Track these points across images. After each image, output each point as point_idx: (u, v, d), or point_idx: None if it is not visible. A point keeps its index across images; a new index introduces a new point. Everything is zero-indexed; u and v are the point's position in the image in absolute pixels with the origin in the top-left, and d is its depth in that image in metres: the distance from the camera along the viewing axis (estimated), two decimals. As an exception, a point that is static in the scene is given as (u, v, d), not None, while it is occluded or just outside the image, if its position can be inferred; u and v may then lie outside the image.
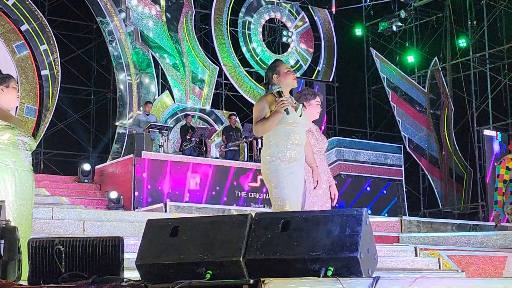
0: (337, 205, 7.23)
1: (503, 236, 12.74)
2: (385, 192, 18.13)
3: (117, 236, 4.76)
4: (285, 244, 4.39)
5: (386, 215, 16.80)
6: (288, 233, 4.44)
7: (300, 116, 5.95)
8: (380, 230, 13.06)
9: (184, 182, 15.32)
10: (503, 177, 8.51)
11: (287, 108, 5.74)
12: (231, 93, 19.81)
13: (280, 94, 5.82)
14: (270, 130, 5.85)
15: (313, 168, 6.28)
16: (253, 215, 4.57)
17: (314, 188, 6.33)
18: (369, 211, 16.38)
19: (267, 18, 20.70)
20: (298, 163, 5.94)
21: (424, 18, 21.83)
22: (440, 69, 20.77)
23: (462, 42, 20.73)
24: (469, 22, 20.55)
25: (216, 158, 17.25)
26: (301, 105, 6.01)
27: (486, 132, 19.09)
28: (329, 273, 4.24)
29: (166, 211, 12.32)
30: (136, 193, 14.72)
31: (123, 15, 18.09)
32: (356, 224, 4.37)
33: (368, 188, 17.84)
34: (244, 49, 19.98)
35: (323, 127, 18.74)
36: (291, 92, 6.22)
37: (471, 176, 19.87)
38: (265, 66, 18.34)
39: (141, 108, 17.46)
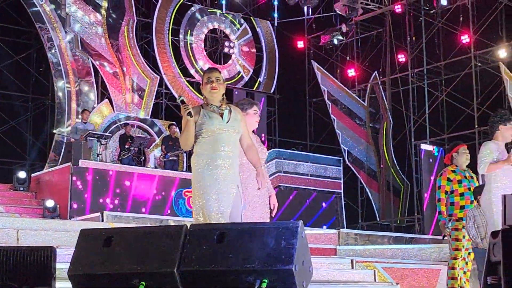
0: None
1: (438, 249, 12.94)
2: (327, 205, 18.28)
3: (49, 246, 4.68)
4: (220, 256, 4.36)
5: (324, 227, 16.90)
6: (223, 245, 4.41)
7: (228, 122, 5.93)
8: (318, 242, 13.12)
9: (128, 192, 15.18)
10: (445, 188, 8.67)
11: (190, 112, 5.73)
12: (171, 102, 19.69)
13: (183, 102, 5.82)
14: (188, 138, 5.83)
15: (258, 169, 6.23)
16: (188, 226, 4.53)
17: (259, 188, 6.30)
18: (306, 224, 16.43)
19: (209, 28, 20.67)
20: (228, 171, 5.88)
21: (365, 32, 22.06)
22: (379, 83, 21.01)
23: (401, 57, 21.01)
24: (408, 38, 20.85)
25: (155, 168, 17.14)
26: (226, 110, 5.97)
27: (424, 146, 19.35)
28: (264, 285, 4.23)
29: (103, 220, 12.18)
30: (75, 203, 14.51)
31: (62, 21, 17.86)
32: (292, 236, 4.37)
33: (312, 201, 17.97)
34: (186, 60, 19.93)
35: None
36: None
37: (408, 190, 20.12)
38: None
39: (79, 116, 17.24)
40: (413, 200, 19.79)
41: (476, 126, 18.45)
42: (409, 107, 20.46)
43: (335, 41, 21.41)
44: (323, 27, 21.90)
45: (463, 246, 8.50)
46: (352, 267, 10.57)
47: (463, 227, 8.47)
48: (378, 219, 20.34)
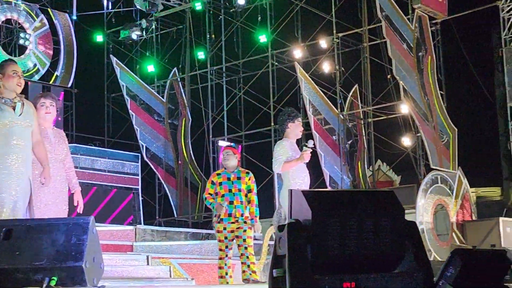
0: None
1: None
2: (126, 201, 18.12)
3: None
4: (6, 254, 4.20)
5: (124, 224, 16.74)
6: (10, 242, 4.26)
7: (20, 115, 5.76)
8: (114, 239, 12.95)
9: None
10: (208, 191, 8.97)
11: None
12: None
13: None
14: None
15: (45, 166, 6.09)
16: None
17: (42, 184, 6.16)
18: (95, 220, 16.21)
19: (3, 19, 19.86)
20: (20, 165, 5.71)
21: (165, 28, 22.06)
22: (179, 79, 21.09)
23: (200, 55, 21.22)
24: (208, 36, 21.09)
25: None
26: (19, 103, 5.81)
27: (221, 143, 19.66)
28: (53, 283, 4.13)
29: None
30: None
31: None
32: (82, 232, 4.29)
33: (112, 198, 17.74)
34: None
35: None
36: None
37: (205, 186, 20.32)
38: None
39: None
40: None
41: (272, 124, 18.98)
42: (208, 104, 20.72)
43: (134, 36, 21.27)
44: (123, 22, 21.69)
45: (226, 247, 8.82)
46: (148, 263, 10.54)
47: (224, 228, 8.80)
48: (175, 215, 20.41)
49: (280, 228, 3.87)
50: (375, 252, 3.91)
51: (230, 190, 8.90)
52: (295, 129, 8.45)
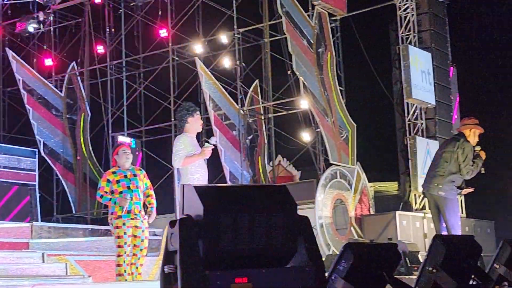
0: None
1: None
2: (25, 198, 17.69)
3: None
4: None
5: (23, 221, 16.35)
6: None
7: None
8: (10, 236, 12.66)
9: None
10: (104, 189, 8.86)
11: None
12: None
13: None
14: None
15: None
16: None
17: None
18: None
19: None
20: None
21: (63, 22, 21.64)
22: (77, 74, 20.70)
23: (100, 49, 20.89)
24: (108, 30, 20.79)
25: None
26: None
27: (121, 138, 19.43)
28: None
29: None
30: None
31: None
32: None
33: (12, 195, 17.31)
34: None
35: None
36: None
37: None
38: None
39: None
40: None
41: (173, 119, 18.86)
42: (107, 99, 20.42)
43: (31, 29, 20.76)
44: (19, 14, 21.13)
45: (125, 243, 8.74)
46: (43, 261, 10.32)
47: (123, 224, 8.75)
48: (74, 211, 20.07)
49: (172, 223, 3.83)
50: (267, 247, 3.90)
51: (128, 187, 8.82)
52: (194, 123, 8.42)
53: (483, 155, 9.01)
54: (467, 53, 22.35)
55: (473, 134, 9.06)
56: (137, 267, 8.80)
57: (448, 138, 9.30)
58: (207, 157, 8.34)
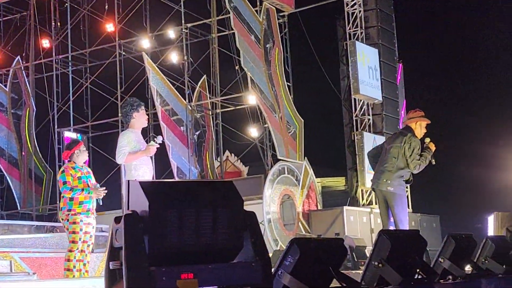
0: None
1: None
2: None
3: None
4: None
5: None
6: None
7: None
8: (-48, 234, 12.44)
9: None
10: (72, 183, 8.73)
11: None
12: None
13: None
14: None
15: None
16: None
17: None
18: None
19: None
20: None
21: (8, 15, 21.31)
22: (22, 68, 20.41)
23: (45, 43, 20.62)
24: (53, 23, 20.53)
25: None
26: None
27: (67, 133, 19.21)
28: None
29: None
30: None
31: None
32: None
33: None
34: None
35: None
36: None
37: (51, 177, 19.81)
38: None
39: None
40: (56, 188, 19.55)
41: (120, 115, 18.69)
42: (53, 94, 20.15)
43: (-26, 23, 20.44)
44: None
45: (80, 239, 8.67)
46: (-13, 258, 10.15)
47: (81, 220, 8.67)
48: (19, 207, 19.79)
49: (117, 219, 3.78)
50: (213, 243, 3.88)
51: (88, 185, 8.73)
52: (140, 118, 8.35)
53: (432, 146, 9.03)
54: (414, 50, 22.61)
55: (419, 127, 9.10)
56: (84, 264, 8.72)
57: (395, 132, 9.32)
58: (151, 155, 8.27)
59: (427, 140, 9.07)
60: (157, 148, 8.20)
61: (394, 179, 8.94)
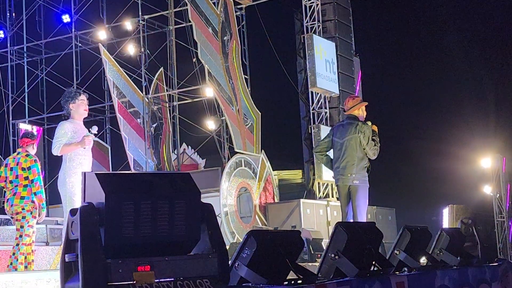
0: None
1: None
2: None
3: None
4: None
5: None
6: None
7: None
8: None
9: None
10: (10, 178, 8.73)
11: None
12: None
13: None
14: None
15: None
16: None
17: None
18: None
19: None
20: None
21: (-39, 5, 20.99)
22: (-24, 59, 20.12)
23: (0, 33, 20.34)
24: (8, 14, 20.25)
25: None
26: None
27: (22, 125, 18.99)
28: None
29: None
30: None
31: None
32: None
33: None
34: None
35: None
36: None
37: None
38: None
39: None
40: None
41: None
42: (8, 85, 19.90)
43: None
44: None
45: (33, 232, 8.69)
46: None
47: (38, 215, 8.67)
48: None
49: (73, 212, 3.74)
50: (170, 235, 3.87)
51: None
52: (78, 108, 8.13)
53: (375, 128, 9.04)
54: (370, 43, 22.75)
55: (361, 111, 9.11)
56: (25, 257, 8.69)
57: (340, 124, 9.20)
58: (86, 146, 8.09)
59: (369, 123, 9.06)
60: (92, 139, 8.03)
61: (358, 171, 8.91)
